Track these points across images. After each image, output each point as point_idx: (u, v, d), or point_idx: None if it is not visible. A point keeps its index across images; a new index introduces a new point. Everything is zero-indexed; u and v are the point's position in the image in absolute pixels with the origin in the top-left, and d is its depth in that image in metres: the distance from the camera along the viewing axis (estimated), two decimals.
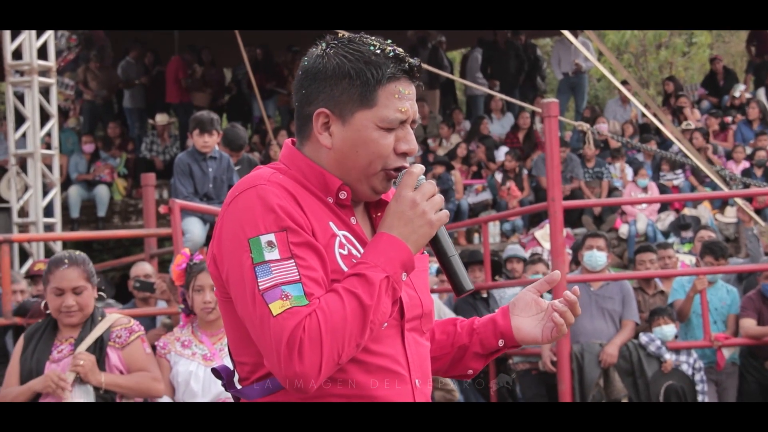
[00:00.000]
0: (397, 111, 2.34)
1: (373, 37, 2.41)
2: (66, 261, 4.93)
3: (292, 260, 2.21)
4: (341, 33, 2.44)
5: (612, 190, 14.15)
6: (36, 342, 4.95)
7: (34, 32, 11.85)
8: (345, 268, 2.29)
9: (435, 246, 2.39)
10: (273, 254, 2.22)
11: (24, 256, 11.73)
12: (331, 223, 2.33)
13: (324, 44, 2.40)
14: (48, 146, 12.51)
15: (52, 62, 12.24)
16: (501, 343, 2.60)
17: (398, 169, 2.37)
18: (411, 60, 2.38)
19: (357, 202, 2.44)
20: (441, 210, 2.33)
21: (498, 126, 16.64)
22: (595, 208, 13.75)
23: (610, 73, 11.91)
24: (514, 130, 16.19)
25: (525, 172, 14.65)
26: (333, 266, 2.29)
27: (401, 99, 2.34)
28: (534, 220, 13.78)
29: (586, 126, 10.68)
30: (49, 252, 11.20)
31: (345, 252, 2.32)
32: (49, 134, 12.43)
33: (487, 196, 14.71)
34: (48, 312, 5.00)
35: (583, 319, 7.90)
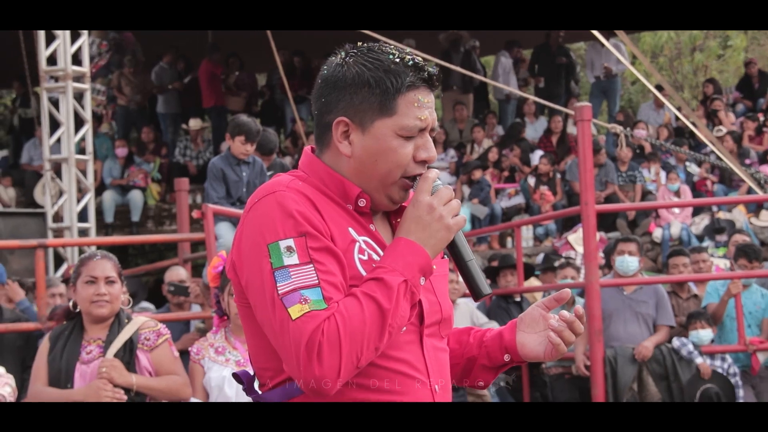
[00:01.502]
0: (417, 119, 2.35)
1: (393, 46, 2.44)
2: (98, 254, 5.03)
3: (311, 265, 2.23)
4: (361, 42, 2.45)
5: (646, 194, 14.07)
6: (64, 343, 4.97)
7: (68, 38, 11.95)
8: (365, 273, 2.30)
9: (452, 250, 2.41)
10: (292, 259, 2.23)
11: (59, 261, 11.81)
12: (350, 229, 2.35)
13: (343, 53, 2.41)
14: (82, 151, 12.59)
15: (86, 68, 12.32)
16: (507, 358, 2.60)
17: (414, 178, 2.39)
18: (430, 69, 2.39)
19: (375, 211, 2.45)
20: (457, 215, 2.35)
21: (531, 130, 16.60)
22: (629, 212, 13.68)
23: (644, 77, 11.84)
24: (547, 134, 16.15)
25: (558, 176, 14.61)
26: (352, 271, 2.30)
27: (420, 107, 2.36)
28: (567, 224, 13.73)
29: (619, 128, 10.65)
30: None
31: (365, 257, 2.34)
32: (83, 139, 12.52)
33: (520, 200, 14.68)
34: (75, 312, 5.02)
35: (616, 324, 7.87)
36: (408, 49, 2.44)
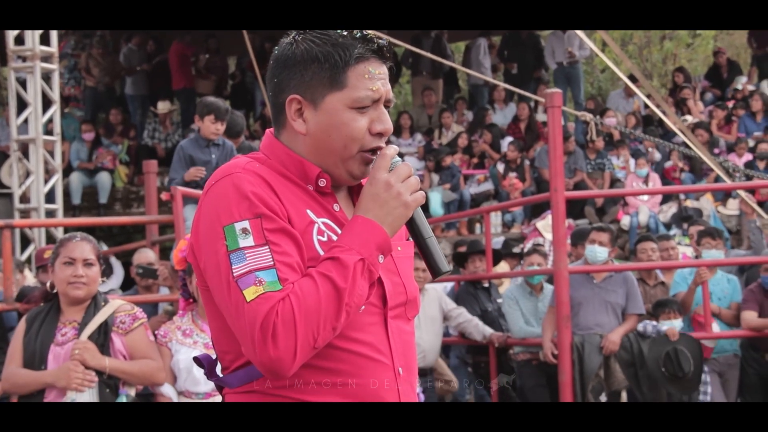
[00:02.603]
0: (368, 90, 2.33)
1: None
2: (78, 236, 5.06)
3: (267, 246, 2.21)
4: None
5: (614, 182, 14.14)
6: (39, 325, 4.97)
7: None
8: (323, 254, 2.28)
9: (411, 228, 2.37)
10: (247, 241, 2.22)
11: (25, 242, 11.73)
12: (309, 211, 2.33)
13: (294, 33, 2.40)
14: (50, 132, 12.49)
15: (54, 48, 12.22)
16: None
17: (374, 151, 2.36)
18: (380, 41, 2.36)
19: (339, 188, 2.43)
20: (417, 191, 2.31)
21: (501, 116, 16.63)
22: (597, 199, 13.75)
23: (614, 65, 11.87)
24: (515, 121, 16.17)
25: (527, 162, 14.64)
26: (312, 253, 2.28)
27: (371, 78, 2.33)
28: (536, 210, 13.78)
29: (589, 116, 10.67)
30: (50, 238, 11.21)
31: (324, 239, 2.32)
32: (51, 120, 12.43)
33: (489, 186, 14.71)
34: (52, 293, 5.01)
35: (585, 312, 7.89)
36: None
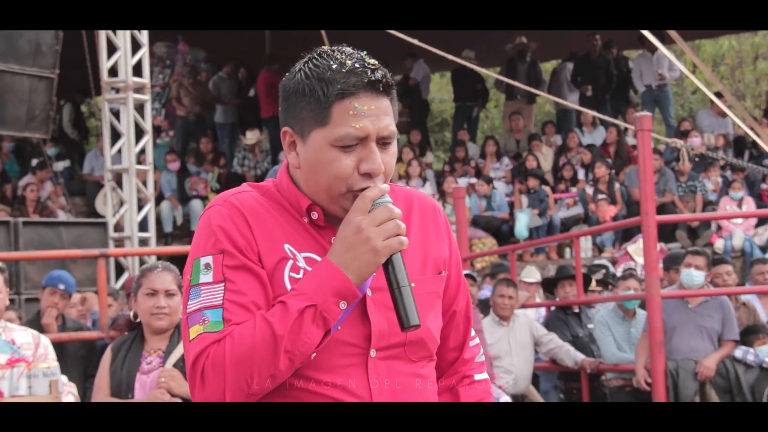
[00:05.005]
0: (350, 128, 2.18)
1: (350, 50, 2.28)
2: (159, 266, 5.06)
3: (222, 284, 2.17)
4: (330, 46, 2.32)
5: (706, 204, 13.91)
6: (125, 353, 5.02)
7: (129, 50, 12.09)
8: None
9: (385, 274, 2.20)
10: (207, 277, 2.19)
11: (120, 270, 11.93)
12: (287, 246, 2.25)
13: (304, 59, 2.29)
14: (142, 162, 12.72)
15: (146, 79, 12.46)
16: None
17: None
18: (373, 75, 2.20)
19: (338, 221, 2.28)
20: (393, 237, 2.16)
21: (589, 139, 16.48)
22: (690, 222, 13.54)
23: (704, 86, 11.71)
24: (605, 144, 16.02)
25: (617, 185, 14.48)
26: (280, 290, 2.20)
27: (356, 116, 2.18)
28: (626, 234, 13.62)
29: (680, 143, 10.53)
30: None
31: (299, 276, 2.22)
32: (143, 150, 12.65)
33: (578, 210, 14.58)
34: (136, 323, 5.07)
35: (680, 337, 7.76)
36: (364, 53, 2.27)
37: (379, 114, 2.21)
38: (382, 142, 2.23)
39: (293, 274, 2.22)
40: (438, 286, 2.38)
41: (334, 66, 2.20)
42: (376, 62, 2.24)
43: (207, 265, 2.20)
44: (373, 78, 2.20)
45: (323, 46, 2.30)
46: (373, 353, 2.25)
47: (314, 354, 2.16)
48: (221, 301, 2.15)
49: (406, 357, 2.29)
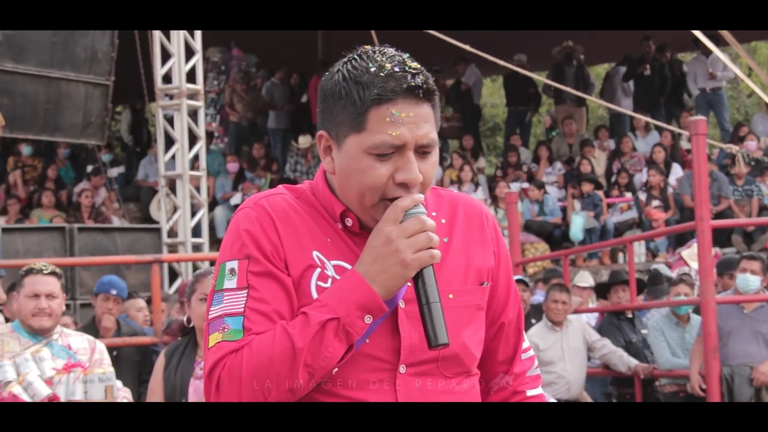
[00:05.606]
0: (387, 135, 2.06)
1: (392, 51, 2.15)
2: (213, 271, 5.06)
3: (245, 291, 2.09)
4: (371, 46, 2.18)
5: (762, 209, 13.75)
6: (178, 359, 5.04)
7: (183, 56, 12.18)
8: None
9: (415, 288, 2.09)
10: (231, 282, 2.11)
11: (173, 275, 12.01)
12: (316, 253, 2.14)
13: (345, 59, 2.17)
14: (195, 168, 12.82)
15: (200, 86, 12.55)
16: None
17: None
18: (413, 80, 2.08)
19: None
20: (424, 250, 2.05)
21: (643, 144, 16.36)
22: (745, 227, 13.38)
23: (760, 89, 11.57)
24: (658, 148, 15.87)
25: (670, 190, 14.36)
26: (306, 300, 2.10)
27: (393, 123, 2.05)
28: (679, 239, 13.50)
29: (735, 148, 10.42)
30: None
31: (326, 285, 2.12)
32: (196, 156, 12.75)
33: (632, 214, 14.46)
34: (189, 328, 5.09)
35: (735, 342, 7.68)
36: (406, 55, 2.14)
37: (417, 121, 2.08)
38: (421, 151, 2.11)
39: (320, 283, 2.12)
40: (479, 298, 2.25)
41: (372, 69, 2.08)
42: (418, 66, 2.11)
43: (232, 271, 2.12)
44: (412, 83, 2.07)
45: (365, 46, 2.17)
46: (402, 369, 2.13)
47: (336, 368, 2.07)
48: (243, 309, 2.08)
49: (439, 373, 2.17)
